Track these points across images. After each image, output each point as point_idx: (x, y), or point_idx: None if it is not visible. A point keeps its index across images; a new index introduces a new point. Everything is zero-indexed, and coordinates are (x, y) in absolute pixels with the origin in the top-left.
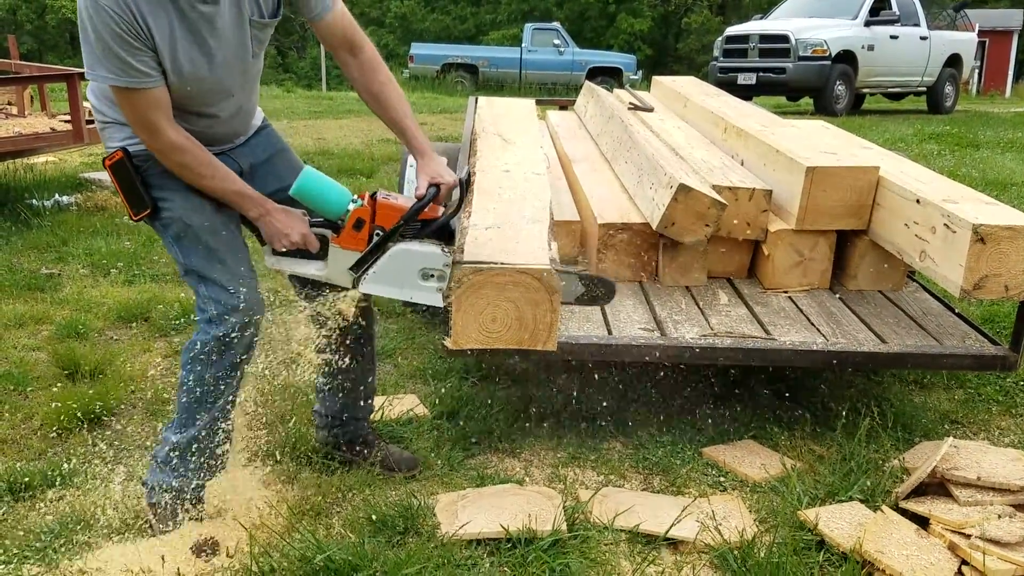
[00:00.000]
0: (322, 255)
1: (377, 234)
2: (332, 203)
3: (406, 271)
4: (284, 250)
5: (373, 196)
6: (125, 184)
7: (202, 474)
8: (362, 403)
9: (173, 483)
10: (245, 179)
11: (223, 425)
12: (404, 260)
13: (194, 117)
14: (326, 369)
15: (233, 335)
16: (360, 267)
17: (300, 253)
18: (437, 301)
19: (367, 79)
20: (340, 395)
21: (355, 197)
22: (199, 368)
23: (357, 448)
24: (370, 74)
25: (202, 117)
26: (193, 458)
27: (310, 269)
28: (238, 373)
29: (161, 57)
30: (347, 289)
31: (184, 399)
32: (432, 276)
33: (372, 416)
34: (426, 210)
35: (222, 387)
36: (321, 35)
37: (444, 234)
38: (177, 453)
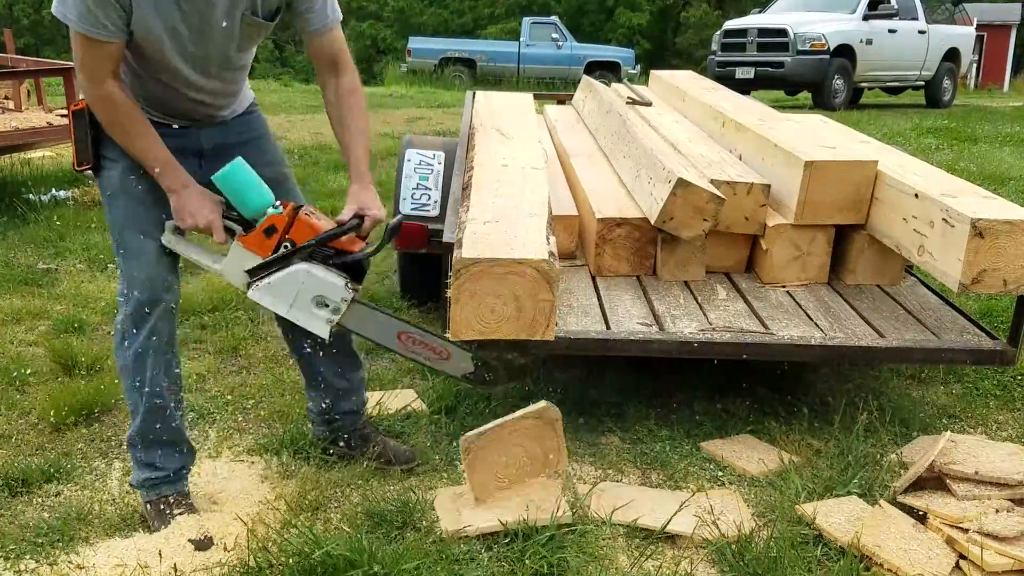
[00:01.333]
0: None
1: (285, 247)
2: (250, 201)
3: (301, 293)
4: (186, 230)
5: (297, 209)
6: (78, 135)
7: (167, 460)
8: (352, 397)
9: (146, 476)
10: (205, 158)
11: (165, 404)
12: (302, 281)
13: (158, 84)
14: (305, 367)
15: (140, 313)
16: (257, 273)
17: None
18: (323, 332)
19: (340, 100)
20: (326, 391)
21: (278, 203)
22: (123, 351)
23: (354, 442)
24: (344, 97)
25: (167, 87)
26: (151, 445)
27: (203, 259)
28: (156, 350)
29: (141, 19)
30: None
31: (123, 386)
32: (326, 306)
33: (369, 410)
34: (344, 240)
35: (143, 367)
36: (312, 49)
37: (355, 269)
38: (137, 445)
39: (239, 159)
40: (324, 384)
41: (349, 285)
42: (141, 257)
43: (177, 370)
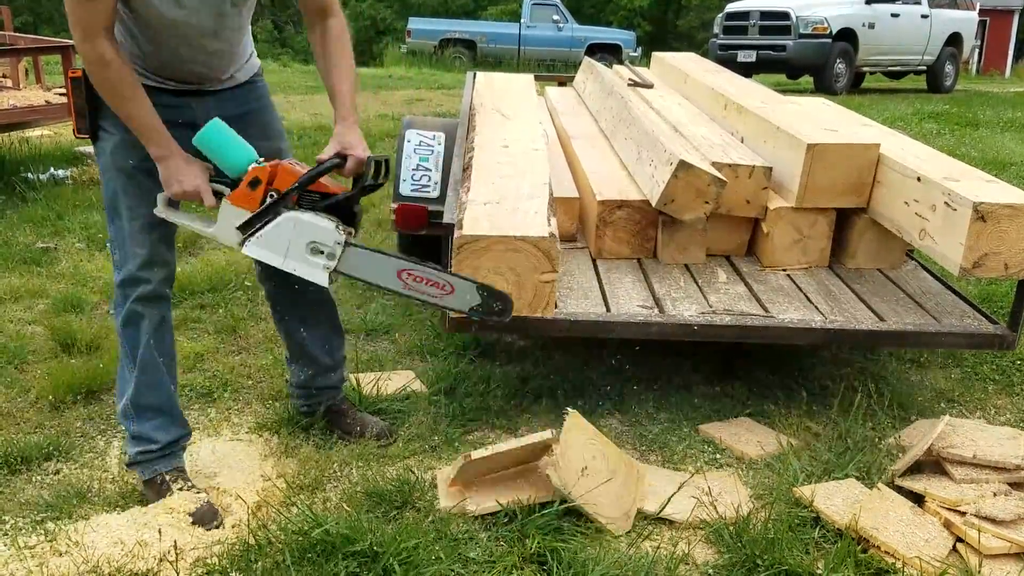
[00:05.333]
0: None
1: (271, 196)
2: (233, 159)
3: (294, 241)
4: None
5: (280, 160)
6: (77, 102)
7: (159, 431)
8: (332, 374)
9: (139, 450)
10: (197, 130)
11: (156, 370)
12: (293, 229)
13: (154, 43)
14: (291, 342)
15: (131, 282)
16: (248, 228)
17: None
18: (321, 280)
19: (326, 43)
20: (310, 366)
21: (261, 159)
22: (117, 322)
23: (331, 416)
24: (331, 40)
25: (163, 46)
26: (143, 417)
27: (197, 225)
28: (141, 320)
29: None
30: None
31: (120, 354)
32: (321, 252)
33: (368, 390)
34: (329, 184)
35: (133, 335)
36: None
37: (346, 212)
38: (130, 415)
39: (214, 119)
40: (309, 359)
41: (340, 228)
42: (132, 230)
43: (170, 339)
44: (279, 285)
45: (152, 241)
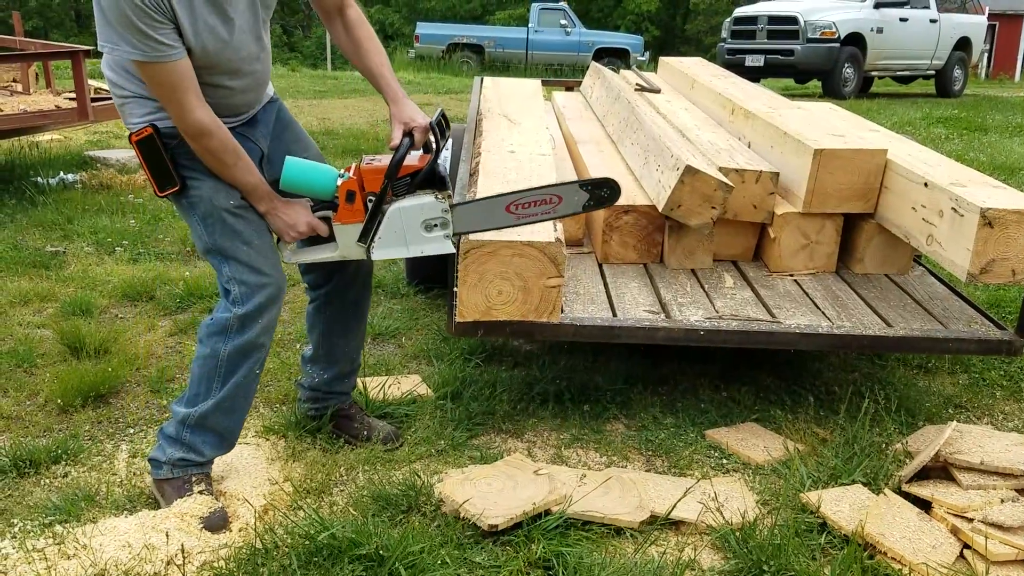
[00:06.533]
0: (333, 237)
1: (370, 200)
2: (321, 185)
3: (409, 228)
4: (296, 242)
5: (359, 165)
6: (153, 161)
7: (210, 449)
8: (347, 380)
9: (181, 456)
10: (264, 160)
11: (239, 402)
12: (402, 218)
13: (210, 88)
14: (325, 342)
15: (255, 314)
16: (366, 237)
17: (313, 240)
18: (447, 248)
19: (350, 32)
20: (332, 367)
21: (342, 171)
22: (217, 342)
23: (338, 420)
24: (353, 29)
25: (219, 88)
26: (204, 432)
27: (326, 253)
28: (257, 352)
29: (182, 28)
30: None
31: (198, 372)
32: (435, 226)
33: (374, 395)
34: (409, 163)
35: (239, 363)
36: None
37: (435, 181)
38: (188, 427)
39: (287, 158)
40: (332, 362)
41: (439, 196)
42: (255, 259)
43: (259, 372)
44: (332, 295)
45: (275, 264)
